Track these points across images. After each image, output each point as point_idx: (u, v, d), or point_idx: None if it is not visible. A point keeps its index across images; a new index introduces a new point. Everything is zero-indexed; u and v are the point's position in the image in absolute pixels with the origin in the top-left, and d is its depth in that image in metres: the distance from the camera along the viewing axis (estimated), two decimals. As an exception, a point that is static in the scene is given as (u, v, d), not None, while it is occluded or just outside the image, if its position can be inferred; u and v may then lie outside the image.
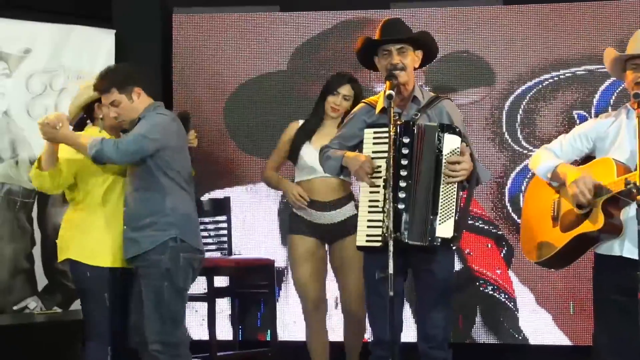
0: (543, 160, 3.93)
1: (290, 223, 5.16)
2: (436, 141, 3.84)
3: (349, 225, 4.90)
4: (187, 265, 4.24)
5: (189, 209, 4.29)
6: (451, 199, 3.84)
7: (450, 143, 3.85)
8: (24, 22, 5.82)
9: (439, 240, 3.81)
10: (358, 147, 4.08)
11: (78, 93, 4.54)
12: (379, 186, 3.85)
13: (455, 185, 3.86)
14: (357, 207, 4.71)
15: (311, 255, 5.09)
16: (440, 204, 3.81)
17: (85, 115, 4.53)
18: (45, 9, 5.97)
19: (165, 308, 4.18)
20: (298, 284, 5.14)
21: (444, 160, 3.83)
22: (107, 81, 4.27)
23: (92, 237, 4.38)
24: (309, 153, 5.03)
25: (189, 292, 5.96)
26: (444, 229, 3.81)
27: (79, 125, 4.53)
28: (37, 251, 5.72)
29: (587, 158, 3.93)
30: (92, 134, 4.43)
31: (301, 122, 5.21)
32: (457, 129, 3.88)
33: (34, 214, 5.77)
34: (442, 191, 3.83)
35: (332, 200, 5.03)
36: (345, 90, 5.01)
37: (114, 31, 6.17)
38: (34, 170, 4.34)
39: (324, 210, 5.03)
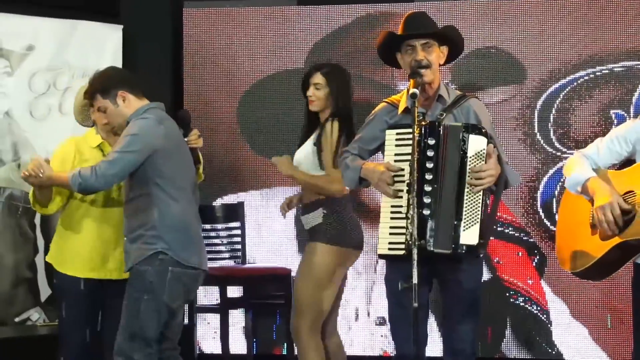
0: (575, 170, 3.89)
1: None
2: (460, 142, 3.82)
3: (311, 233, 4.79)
4: (176, 280, 4.15)
5: (180, 220, 4.19)
6: (476, 204, 3.81)
7: (476, 144, 3.82)
8: (27, 17, 5.84)
9: (464, 247, 3.78)
10: (380, 149, 4.06)
11: (77, 95, 4.56)
12: (401, 190, 3.83)
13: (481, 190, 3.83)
14: (325, 215, 4.69)
15: None
16: (464, 208, 3.79)
17: None
18: (49, 3, 5.99)
19: (138, 322, 4.11)
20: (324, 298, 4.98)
21: (468, 163, 3.81)
22: (91, 87, 4.31)
23: (68, 243, 4.40)
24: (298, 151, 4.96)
25: (201, 303, 6.04)
26: (469, 235, 3.78)
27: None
28: (40, 259, 5.73)
29: (627, 162, 3.89)
30: (91, 137, 4.47)
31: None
32: (483, 129, 3.86)
33: (37, 220, 5.79)
34: (467, 195, 3.80)
35: (306, 203, 4.87)
36: (316, 79, 4.92)
37: (122, 27, 6.18)
38: (34, 205, 4.42)
39: (302, 213, 4.91)
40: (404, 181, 3.82)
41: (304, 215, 4.82)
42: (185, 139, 4.36)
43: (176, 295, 4.17)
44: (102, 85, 4.25)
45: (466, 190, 3.80)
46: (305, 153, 4.84)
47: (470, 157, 3.81)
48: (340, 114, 4.80)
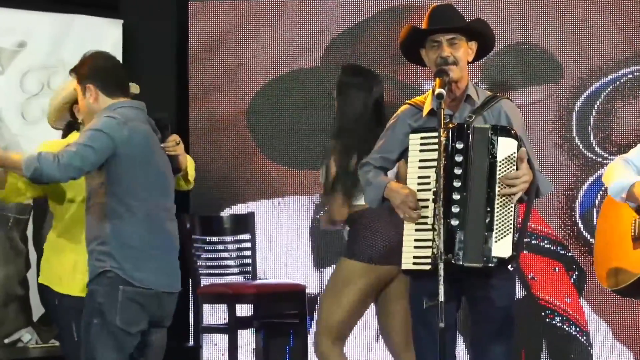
0: (617, 176, 3.88)
1: None
2: (489, 145, 3.80)
3: None
4: (129, 301, 3.99)
5: (137, 237, 4.03)
6: (508, 213, 3.80)
7: (506, 147, 3.81)
8: (19, 11, 5.86)
9: (495, 260, 3.77)
10: (404, 156, 4.05)
11: (56, 90, 4.54)
12: (427, 200, 3.81)
13: (513, 197, 3.82)
14: (350, 229, 4.83)
15: None
16: (495, 218, 3.77)
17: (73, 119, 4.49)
18: (43, -4, 6.04)
19: (92, 352, 3.99)
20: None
21: (498, 168, 3.79)
22: (74, 68, 4.20)
23: (61, 259, 4.34)
24: None
25: (207, 323, 6.03)
26: (501, 247, 3.77)
27: (70, 128, 4.51)
28: (32, 275, 5.74)
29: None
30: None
31: None
32: (512, 131, 3.84)
33: (29, 232, 5.81)
34: (498, 204, 3.79)
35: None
36: None
37: (122, 21, 6.20)
38: None
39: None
40: (429, 189, 3.81)
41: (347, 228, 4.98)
42: (162, 145, 4.15)
43: (132, 318, 4.00)
44: (78, 70, 4.19)
45: (497, 198, 3.79)
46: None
47: (500, 162, 3.80)
48: (340, 136, 4.85)
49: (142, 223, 4.04)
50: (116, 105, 4.10)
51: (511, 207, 3.81)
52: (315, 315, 4.96)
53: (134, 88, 4.39)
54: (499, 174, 3.79)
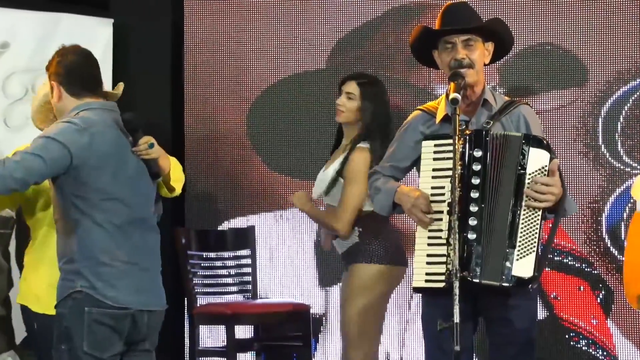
0: None
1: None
2: (519, 156, 3.80)
3: None
4: (97, 324, 3.94)
5: (106, 251, 3.97)
6: (533, 229, 3.80)
7: (537, 159, 3.81)
8: (1, 9, 5.87)
9: (515, 280, 3.76)
10: (416, 165, 4.05)
11: (38, 89, 4.52)
12: (441, 212, 3.81)
13: (540, 213, 3.81)
14: (361, 233, 4.91)
15: None
16: (519, 233, 3.77)
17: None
18: (28, -7, 6.05)
19: None
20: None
21: (527, 180, 3.78)
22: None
23: (38, 276, 4.33)
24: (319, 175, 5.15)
25: (204, 346, 6.02)
26: (523, 266, 3.77)
27: None
28: (15, 294, 5.74)
29: None
30: None
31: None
32: (545, 141, 3.85)
33: (12, 247, 5.80)
34: (524, 218, 3.79)
35: None
36: (350, 87, 5.05)
37: (112, 20, 6.21)
38: None
39: (334, 236, 5.16)
40: (444, 201, 3.81)
41: (337, 239, 5.01)
42: (132, 150, 4.07)
43: (101, 342, 3.95)
44: (47, 66, 4.11)
45: (523, 212, 3.78)
46: (326, 179, 5.03)
47: (530, 174, 3.81)
48: (374, 137, 4.91)
49: (113, 237, 3.98)
50: (81, 107, 4.02)
51: (537, 223, 3.81)
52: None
53: (118, 88, 4.32)
54: (527, 188, 3.79)
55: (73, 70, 4.06)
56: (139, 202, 4.07)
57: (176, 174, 4.30)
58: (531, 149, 3.81)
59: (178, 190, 4.34)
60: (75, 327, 3.92)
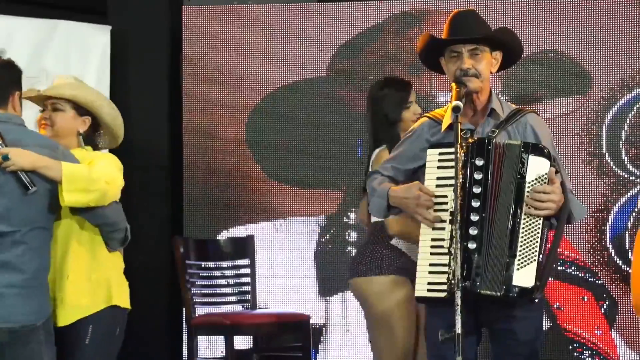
0: None
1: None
2: (518, 164, 3.81)
3: None
4: None
5: None
6: (534, 238, 3.80)
7: (537, 167, 3.81)
8: (-3, 15, 5.89)
9: (516, 290, 3.76)
10: (418, 172, 4.05)
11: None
12: (444, 221, 3.81)
13: (540, 221, 3.81)
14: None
15: None
16: (520, 243, 3.77)
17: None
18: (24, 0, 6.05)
19: None
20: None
21: (526, 189, 3.79)
22: None
23: None
24: None
25: (202, 357, 6.01)
26: (523, 275, 3.77)
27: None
28: None
29: None
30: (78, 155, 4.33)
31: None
32: (545, 150, 3.85)
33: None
34: (523, 227, 3.79)
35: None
36: (414, 97, 5.02)
37: (110, 27, 6.21)
38: None
39: None
40: (446, 210, 3.81)
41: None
42: None
43: None
44: None
45: (523, 221, 3.78)
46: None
47: (529, 182, 3.81)
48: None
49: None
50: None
51: (538, 231, 3.81)
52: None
53: (30, 92, 4.27)
54: (527, 196, 3.79)
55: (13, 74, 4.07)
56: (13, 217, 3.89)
57: (80, 184, 3.95)
58: (530, 157, 3.81)
59: (70, 202, 3.96)
60: None
